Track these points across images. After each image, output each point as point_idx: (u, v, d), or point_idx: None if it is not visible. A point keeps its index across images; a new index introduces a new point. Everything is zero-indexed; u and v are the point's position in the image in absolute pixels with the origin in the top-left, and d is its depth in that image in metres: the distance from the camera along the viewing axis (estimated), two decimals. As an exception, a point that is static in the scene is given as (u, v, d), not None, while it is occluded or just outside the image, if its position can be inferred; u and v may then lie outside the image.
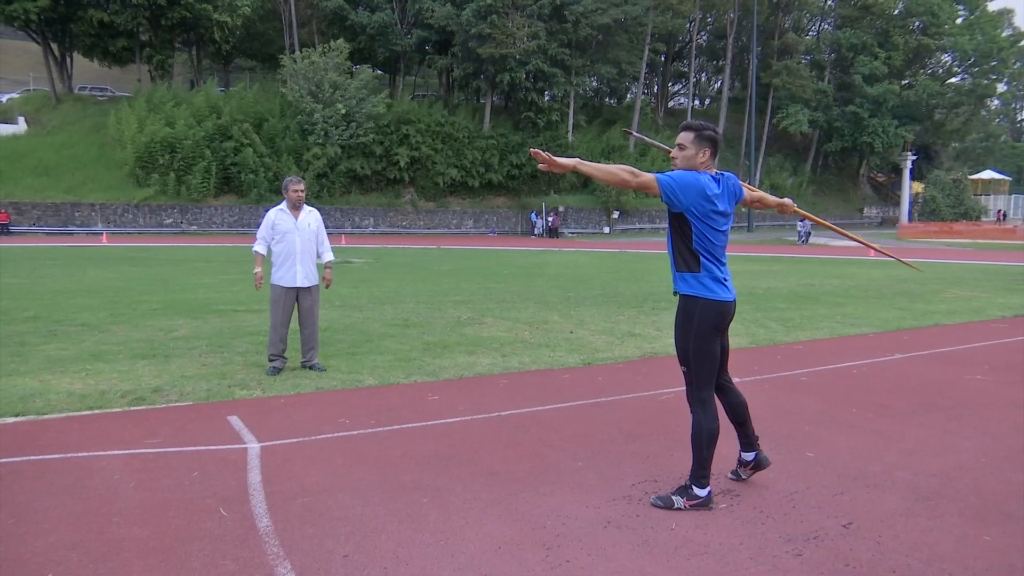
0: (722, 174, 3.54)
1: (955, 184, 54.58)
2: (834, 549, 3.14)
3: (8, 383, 5.80)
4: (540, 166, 3.32)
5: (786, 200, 4.12)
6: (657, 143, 3.96)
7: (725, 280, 3.53)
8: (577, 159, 3.34)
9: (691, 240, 3.45)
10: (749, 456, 3.87)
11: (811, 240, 37.77)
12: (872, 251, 4.88)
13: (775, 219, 50.74)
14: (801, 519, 3.45)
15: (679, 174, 3.41)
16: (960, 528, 3.36)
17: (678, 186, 3.35)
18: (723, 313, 3.52)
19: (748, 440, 3.85)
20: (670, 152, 3.62)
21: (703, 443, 3.53)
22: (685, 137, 3.48)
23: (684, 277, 3.52)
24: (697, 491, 3.55)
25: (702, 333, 3.49)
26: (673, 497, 3.56)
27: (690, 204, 3.37)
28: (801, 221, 37.67)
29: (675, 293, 3.62)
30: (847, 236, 4.64)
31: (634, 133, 4.22)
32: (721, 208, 3.45)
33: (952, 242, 38.62)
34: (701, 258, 3.46)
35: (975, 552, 3.12)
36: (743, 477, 3.93)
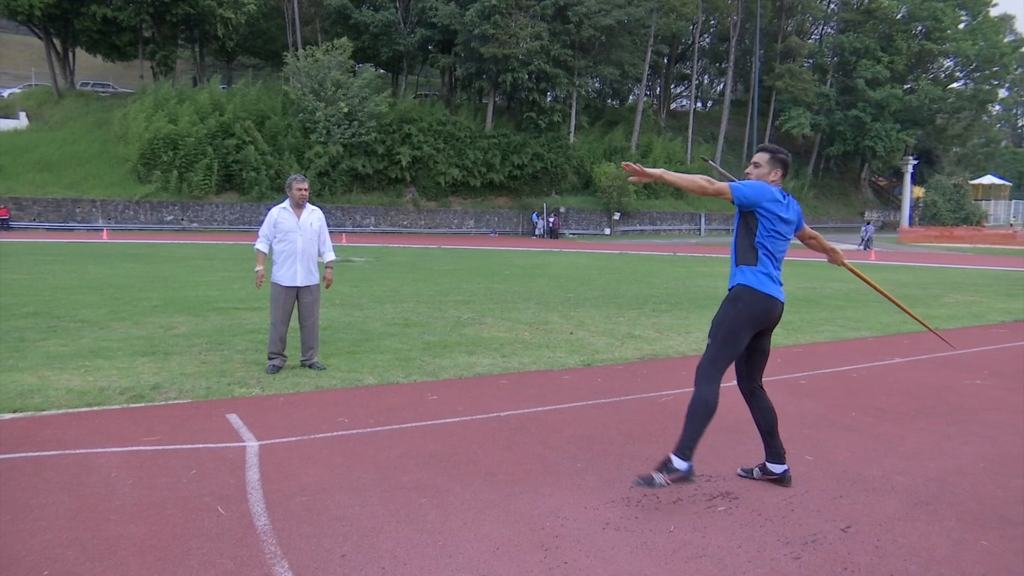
0: (787, 195, 3.77)
1: (956, 189, 54.58)
2: (832, 553, 3.13)
3: (7, 379, 5.80)
4: (631, 178, 3.61)
5: (839, 250, 4.28)
6: (728, 175, 4.22)
7: (778, 282, 3.72)
8: (663, 169, 3.59)
9: (755, 235, 3.67)
10: (779, 469, 3.91)
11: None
12: (909, 314, 4.86)
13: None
14: (800, 522, 3.45)
15: (750, 181, 3.73)
16: (958, 532, 3.36)
17: (749, 188, 3.63)
18: (769, 309, 3.67)
19: (776, 452, 3.90)
20: (747, 171, 3.87)
21: (701, 414, 3.56)
22: (761, 157, 3.80)
23: (742, 270, 3.72)
24: (677, 463, 3.53)
25: (741, 318, 3.63)
26: (654, 475, 3.54)
27: (760, 201, 3.61)
28: (865, 226, 37.02)
29: (729, 290, 3.76)
30: (890, 299, 4.55)
31: (711, 163, 4.73)
32: (786, 216, 3.69)
33: (952, 247, 38.60)
34: (760, 252, 3.67)
35: (973, 556, 3.12)
36: (754, 476, 3.98)
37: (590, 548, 3.14)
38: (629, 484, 3.87)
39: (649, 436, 4.74)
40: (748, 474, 4.01)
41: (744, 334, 3.65)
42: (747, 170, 3.82)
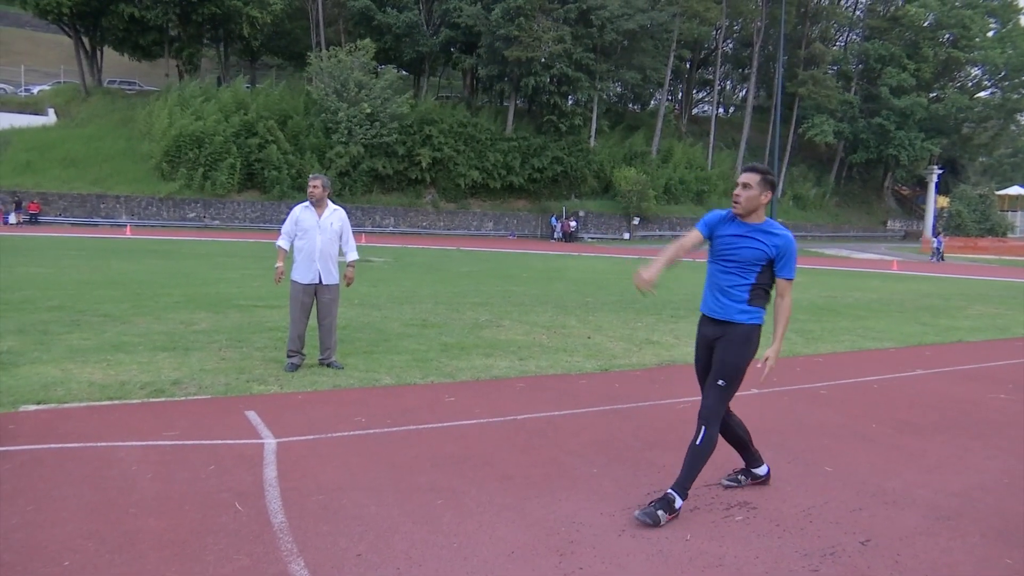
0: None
1: (981, 199, 53.80)
2: (851, 566, 3.09)
3: (31, 371, 5.88)
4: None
5: (770, 357, 3.77)
6: None
7: None
8: (662, 259, 3.55)
9: (770, 284, 3.66)
10: (763, 471, 4.03)
11: (835, 252, 37.26)
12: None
13: (802, 230, 50.34)
14: (818, 534, 3.41)
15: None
16: (982, 549, 3.30)
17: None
18: None
19: (756, 458, 4.01)
20: (735, 193, 3.64)
21: (709, 455, 3.58)
22: (751, 178, 3.59)
23: (759, 310, 3.67)
24: (679, 503, 3.53)
25: (750, 359, 3.67)
26: (659, 513, 3.46)
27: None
28: (936, 238, 37.00)
29: (728, 321, 3.64)
30: None
31: None
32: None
33: (977, 258, 38.07)
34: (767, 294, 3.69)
35: (997, 574, 3.06)
36: (741, 483, 4.03)
37: (605, 554, 3.12)
38: (646, 491, 3.85)
39: (666, 443, 4.71)
40: (736, 483, 4.01)
41: None
42: (736, 193, 3.65)
